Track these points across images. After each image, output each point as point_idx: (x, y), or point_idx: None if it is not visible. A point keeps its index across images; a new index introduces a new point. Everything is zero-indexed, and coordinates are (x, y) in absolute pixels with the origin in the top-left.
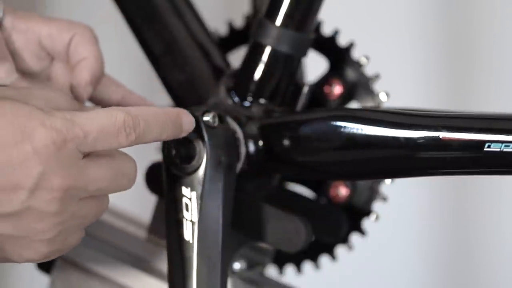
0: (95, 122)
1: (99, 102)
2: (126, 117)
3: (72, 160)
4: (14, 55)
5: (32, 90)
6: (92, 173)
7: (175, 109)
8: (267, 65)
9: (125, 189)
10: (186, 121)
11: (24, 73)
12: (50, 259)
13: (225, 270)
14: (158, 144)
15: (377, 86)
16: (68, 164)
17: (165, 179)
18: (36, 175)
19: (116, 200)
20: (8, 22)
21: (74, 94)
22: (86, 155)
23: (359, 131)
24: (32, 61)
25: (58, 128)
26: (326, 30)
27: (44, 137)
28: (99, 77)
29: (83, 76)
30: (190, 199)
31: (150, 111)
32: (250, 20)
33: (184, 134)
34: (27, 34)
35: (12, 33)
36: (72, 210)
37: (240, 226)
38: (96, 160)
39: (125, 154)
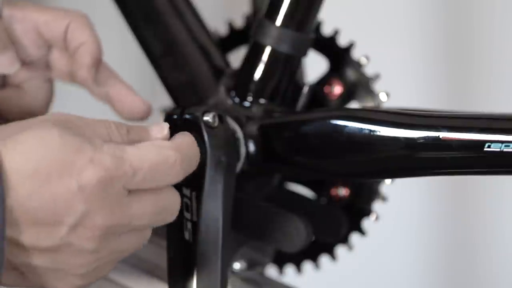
0: (146, 160)
1: (93, 89)
2: (177, 157)
3: (117, 198)
4: (14, 45)
5: (86, 120)
6: (136, 209)
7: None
8: (267, 65)
9: (166, 222)
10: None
11: (24, 62)
12: None
13: (225, 270)
14: None
15: (377, 86)
16: (112, 203)
17: None
18: (79, 212)
19: None
20: (6, 11)
21: (79, 78)
22: (131, 191)
23: (359, 131)
24: (31, 50)
25: (107, 166)
26: (326, 30)
27: (92, 174)
28: (99, 59)
29: (85, 59)
30: (190, 199)
31: (190, 148)
32: (250, 20)
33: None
34: (24, 22)
35: (10, 22)
36: (111, 247)
37: (240, 226)
38: (141, 196)
39: (171, 189)
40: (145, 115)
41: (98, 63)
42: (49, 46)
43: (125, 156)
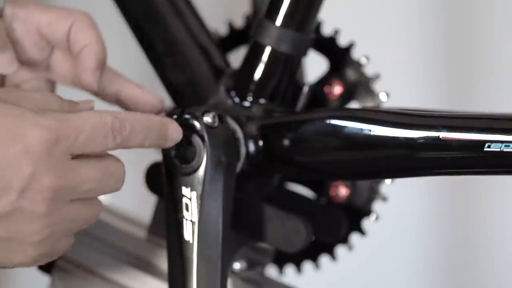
0: (87, 122)
1: (99, 93)
2: (114, 120)
3: (62, 160)
4: (14, 45)
5: (23, 93)
6: (82, 173)
7: (161, 118)
8: (267, 65)
9: (114, 190)
10: (172, 130)
11: (24, 62)
12: (39, 263)
13: (225, 270)
14: None
15: (377, 86)
16: (58, 164)
17: (165, 179)
18: (27, 175)
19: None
20: (8, 10)
21: (83, 82)
22: (75, 157)
23: (359, 131)
24: (32, 51)
25: (52, 127)
26: (326, 30)
27: (37, 135)
28: (104, 61)
29: (89, 62)
30: (190, 199)
31: (137, 117)
32: (250, 20)
33: (170, 144)
34: (26, 22)
35: (12, 22)
36: (62, 212)
37: (240, 226)
38: (85, 161)
39: (113, 156)
40: (161, 112)
41: (103, 66)
42: (51, 48)
43: (68, 118)
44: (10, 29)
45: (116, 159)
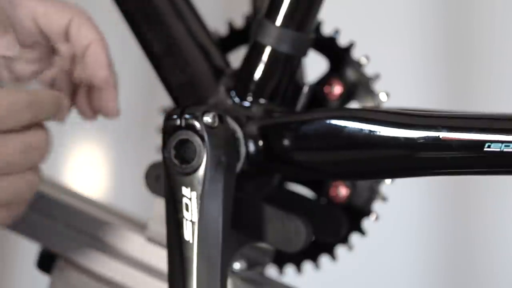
0: (2, 99)
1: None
2: (28, 97)
3: None
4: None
5: None
6: (4, 148)
7: (58, 93)
8: (267, 65)
9: (37, 163)
10: (64, 105)
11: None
12: None
13: (225, 270)
14: (158, 144)
15: (377, 86)
16: None
17: (165, 179)
18: None
19: (116, 200)
20: None
21: (99, 79)
22: None
23: (359, 131)
24: (22, 37)
25: None
26: (326, 30)
27: None
28: (109, 55)
29: (101, 60)
30: (190, 199)
31: (46, 93)
32: (250, 20)
33: (62, 118)
34: (22, 9)
35: (7, 6)
36: None
37: (240, 226)
38: (5, 136)
39: (37, 128)
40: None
41: (111, 62)
42: (45, 38)
43: None
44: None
45: (39, 132)
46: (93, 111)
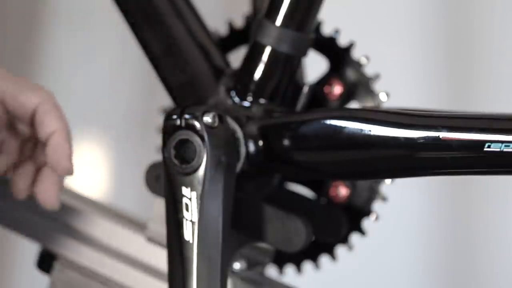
0: None
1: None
2: None
3: None
4: None
5: None
6: None
7: None
8: (267, 65)
9: None
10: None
11: None
12: None
13: (225, 270)
14: (158, 144)
15: (377, 86)
16: None
17: (165, 179)
18: None
19: (116, 200)
20: None
21: (62, 168)
22: None
23: (359, 131)
24: None
25: None
26: (326, 30)
27: None
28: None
29: (64, 150)
30: (190, 199)
31: None
32: (250, 20)
33: None
34: None
35: None
36: None
37: (240, 226)
38: None
39: None
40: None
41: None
42: (8, 119)
43: None
44: None
45: None
46: (30, 190)
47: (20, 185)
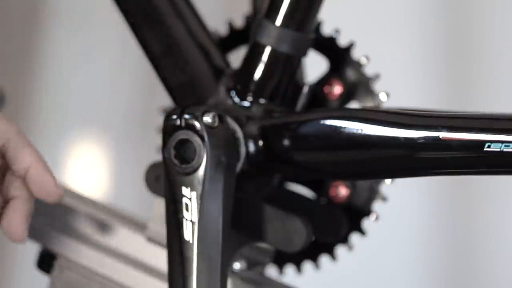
0: None
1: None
2: None
3: None
4: None
5: None
6: None
7: None
8: (267, 65)
9: None
10: None
11: None
12: None
13: (225, 270)
14: (158, 144)
15: (377, 86)
16: None
17: (165, 179)
18: None
19: (116, 200)
20: None
21: (52, 199)
22: None
23: (359, 131)
24: None
25: None
26: (326, 30)
27: None
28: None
29: (49, 183)
30: (190, 199)
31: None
32: (250, 20)
33: None
34: None
35: None
36: None
37: (240, 226)
38: None
39: None
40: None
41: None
42: None
43: None
44: None
45: None
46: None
47: (14, 226)
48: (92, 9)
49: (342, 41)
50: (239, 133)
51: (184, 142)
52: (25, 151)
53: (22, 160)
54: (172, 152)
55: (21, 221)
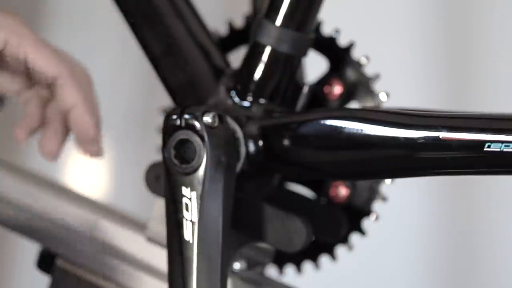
0: None
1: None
2: None
3: None
4: None
5: None
6: None
7: None
8: (267, 65)
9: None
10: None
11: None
12: None
13: (225, 270)
14: (158, 144)
15: (377, 86)
16: None
17: (165, 179)
18: None
19: (116, 200)
20: (1, 35)
21: (83, 149)
22: None
23: (359, 131)
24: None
25: None
26: (326, 30)
27: None
28: (99, 119)
29: (87, 131)
30: (190, 199)
31: None
32: (250, 20)
33: None
34: (17, 51)
35: (4, 47)
36: None
37: (240, 226)
38: None
39: None
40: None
41: (99, 124)
42: (29, 79)
43: None
44: None
45: None
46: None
47: (48, 147)
48: (92, 9)
49: (342, 41)
50: (239, 133)
51: (184, 142)
52: (72, 91)
53: (67, 98)
54: (172, 152)
55: (56, 143)
